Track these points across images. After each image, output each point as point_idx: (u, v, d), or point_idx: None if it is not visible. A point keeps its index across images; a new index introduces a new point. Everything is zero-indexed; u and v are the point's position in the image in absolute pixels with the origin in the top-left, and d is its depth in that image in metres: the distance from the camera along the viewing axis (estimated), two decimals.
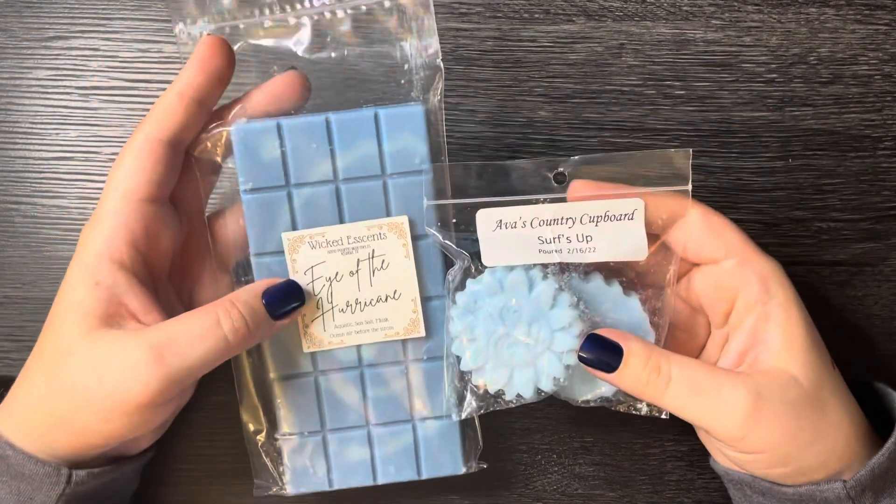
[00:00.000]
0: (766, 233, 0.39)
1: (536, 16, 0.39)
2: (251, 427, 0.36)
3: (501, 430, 0.40)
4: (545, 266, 0.32)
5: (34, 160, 0.39)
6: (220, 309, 0.30)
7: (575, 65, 0.39)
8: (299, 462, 0.35)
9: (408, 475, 0.36)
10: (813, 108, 0.39)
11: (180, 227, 0.33)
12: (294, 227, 0.33)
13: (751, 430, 0.29)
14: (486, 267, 0.33)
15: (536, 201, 0.32)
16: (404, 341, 0.35)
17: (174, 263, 0.34)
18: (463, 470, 0.36)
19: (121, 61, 0.39)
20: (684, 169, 0.32)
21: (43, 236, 0.39)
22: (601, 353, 0.31)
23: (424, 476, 0.36)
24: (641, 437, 0.40)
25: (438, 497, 0.40)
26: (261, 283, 0.32)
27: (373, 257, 0.33)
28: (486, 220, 0.32)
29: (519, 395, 0.33)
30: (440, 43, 0.38)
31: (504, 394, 0.33)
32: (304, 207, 0.33)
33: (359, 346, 0.34)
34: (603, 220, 0.32)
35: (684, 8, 0.39)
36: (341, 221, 0.33)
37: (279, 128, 0.32)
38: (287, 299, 0.32)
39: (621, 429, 0.40)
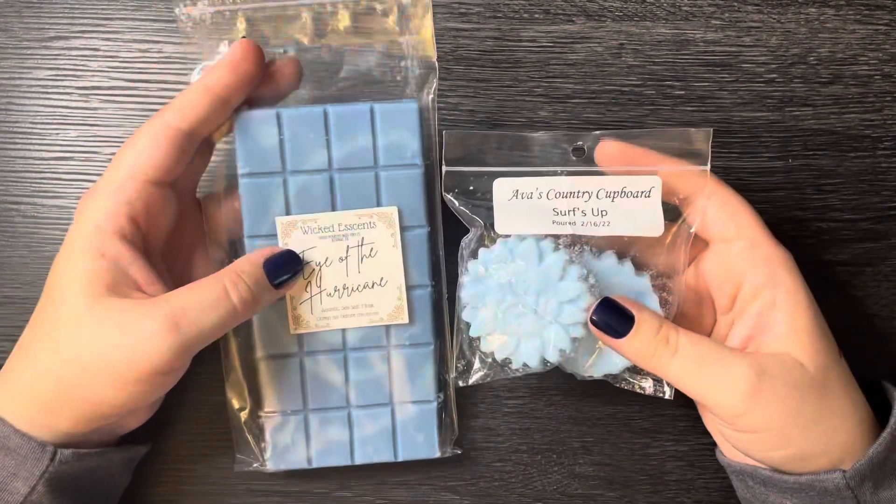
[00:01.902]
0: None
1: (536, 16, 0.39)
2: (235, 404, 0.36)
3: (501, 430, 0.40)
4: (557, 238, 0.33)
5: (34, 160, 0.39)
6: (227, 279, 0.31)
7: (575, 65, 0.39)
8: (280, 439, 0.36)
9: (385, 457, 0.37)
10: (813, 108, 0.39)
11: (175, 206, 0.34)
12: (288, 212, 0.34)
13: (751, 406, 0.30)
14: (498, 236, 0.33)
15: (554, 173, 0.32)
16: (388, 327, 0.36)
17: (170, 241, 0.34)
18: (438, 454, 0.37)
19: (121, 61, 0.39)
20: (704, 149, 0.32)
21: (43, 236, 0.39)
22: (613, 317, 0.31)
23: (401, 458, 0.37)
24: (641, 438, 0.40)
25: (437, 496, 0.40)
26: (258, 253, 0.33)
27: (362, 245, 0.34)
28: (503, 189, 0.32)
29: (525, 365, 0.33)
30: (440, 43, 0.39)
31: (511, 362, 0.33)
32: (298, 194, 0.34)
33: (344, 330, 0.35)
34: (619, 196, 0.32)
35: (684, 8, 0.39)
36: (333, 209, 0.34)
37: (279, 117, 0.33)
38: (286, 266, 0.33)
39: (621, 429, 0.40)
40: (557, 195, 0.32)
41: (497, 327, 0.33)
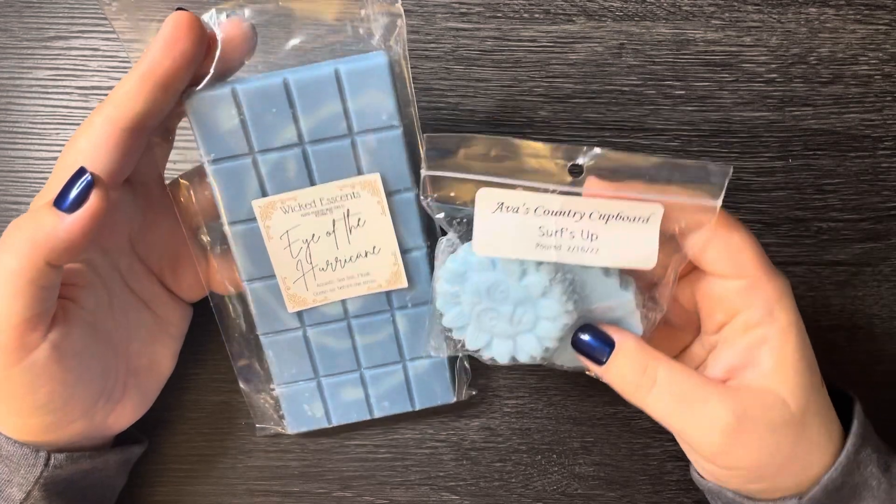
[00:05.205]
0: (766, 233, 0.39)
1: (536, 16, 0.39)
2: (246, 383, 0.37)
3: (501, 430, 0.40)
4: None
5: (34, 160, 0.39)
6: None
7: (575, 65, 0.39)
8: (296, 406, 0.36)
9: (402, 407, 0.37)
10: (813, 108, 0.39)
11: (135, 200, 0.32)
12: (264, 193, 0.32)
13: (730, 447, 0.29)
14: None
15: (545, 190, 0.29)
16: (388, 292, 0.35)
17: (142, 236, 0.33)
18: (454, 399, 0.37)
19: (121, 61, 0.39)
20: (718, 184, 0.29)
21: None
22: (593, 344, 0.31)
23: (418, 407, 0.37)
24: (641, 437, 0.40)
25: (437, 496, 0.40)
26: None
27: (348, 216, 0.33)
28: (487, 200, 0.29)
29: (493, 359, 0.32)
30: (440, 43, 0.39)
31: (481, 353, 0.33)
32: (272, 173, 0.32)
33: (343, 301, 0.34)
34: (614, 220, 0.29)
35: (684, 8, 0.39)
36: (312, 183, 0.32)
37: (235, 94, 0.30)
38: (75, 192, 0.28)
39: (621, 429, 0.40)
40: (546, 212, 0.29)
41: (470, 323, 0.32)
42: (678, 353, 0.35)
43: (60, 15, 0.39)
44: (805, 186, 0.39)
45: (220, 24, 0.30)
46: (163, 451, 0.39)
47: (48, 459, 0.30)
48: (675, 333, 0.34)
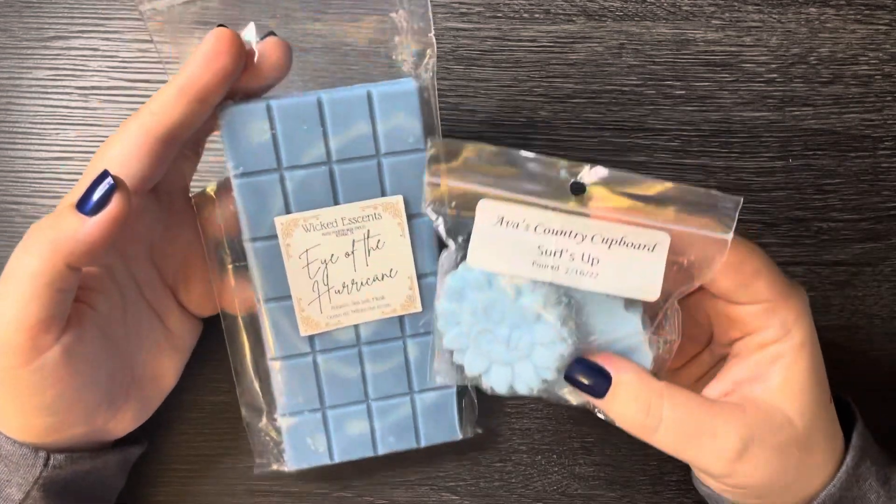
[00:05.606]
0: (766, 233, 0.39)
1: (536, 16, 0.39)
2: (250, 411, 0.36)
3: (501, 430, 0.40)
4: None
5: (34, 160, 0.39)
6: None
7: (575, 65, 0.39)
8: (299, 439, 0.35)
9: (407, 444, 0.36)
10: (813, 108, 0.39)
11: (159, 210, 0.32)
12: (287, 211, 0.32)
13: (735, 470, 0.29)
14: None
15: (548, 207, 0.28)
16: (401, 317, 0.34)
17: (160, 246, 0.33)
18: (460, 436, 0.36)
19: (121, 61, 0.39)
20: (728, 215, 0.27)
21: None
22: (588, 377, 0.30)
23: (423, 444, 0.36)
24: None
25: (437, 496, 0.40)
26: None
27: (368, 237, 0.33)
28: (487, 212, 0.28)
29: (492, 389, 0.31)
30: (440, 43, 0.39)
31: (481, 381, 0.31)
32: (297, 190, 0.32)
33: (356, 325, 0.34)
34: (617, 245, 0.28)
35: (684, 8, 0.39)
36: (336, 203, 0.32)
37: (269, 109, 0.31)
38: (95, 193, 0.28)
39: (621, 429, 0.40)
40: (547, 231, 0.28)
41: (469, 345, 0.31)
42: (686, 362, 0.34)
43: (60, 15, 0.39)
44: (805, 186, 0.39)
45: (258, 41, 0.30)
46: (163, 451, 0.39)
47: (47, 460, 0.30)
48: (685, 345, 0.33)
